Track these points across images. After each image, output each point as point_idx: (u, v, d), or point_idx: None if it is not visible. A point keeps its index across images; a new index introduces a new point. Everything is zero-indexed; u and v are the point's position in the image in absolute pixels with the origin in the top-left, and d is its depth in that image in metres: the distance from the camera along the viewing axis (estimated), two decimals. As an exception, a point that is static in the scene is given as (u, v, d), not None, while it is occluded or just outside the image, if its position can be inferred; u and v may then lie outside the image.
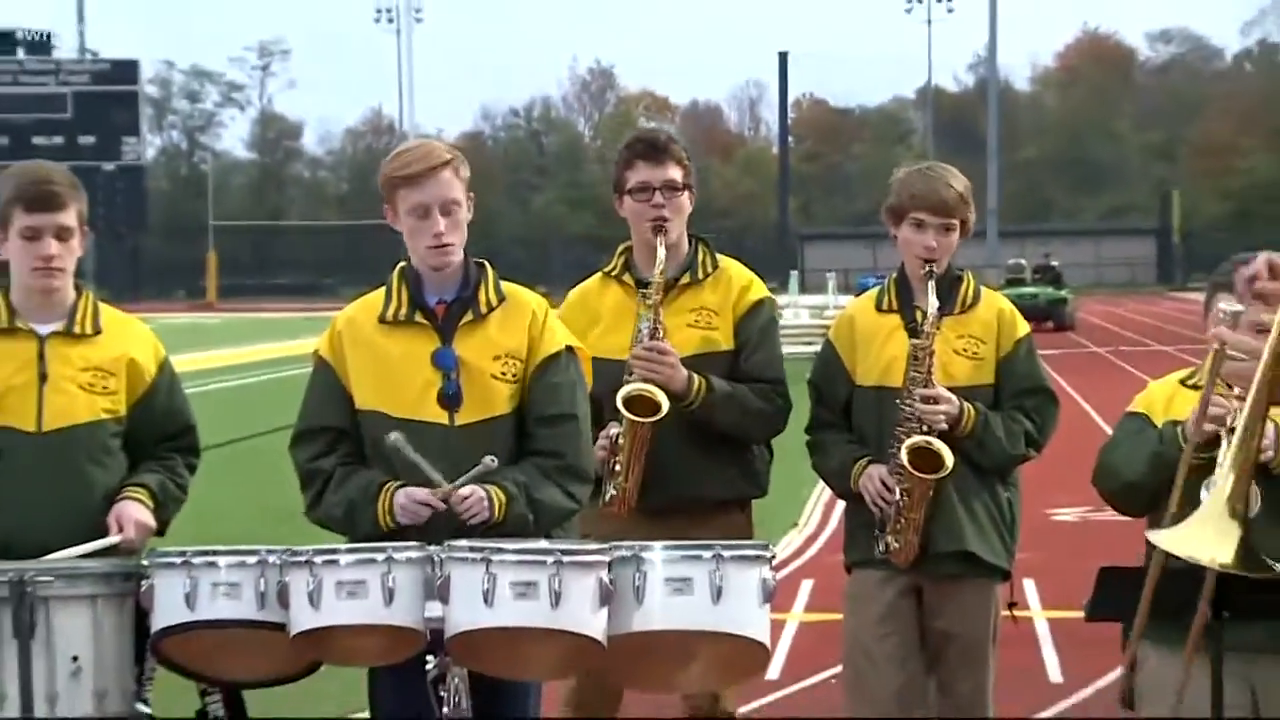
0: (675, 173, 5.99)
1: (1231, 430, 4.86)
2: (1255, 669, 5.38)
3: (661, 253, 5.86)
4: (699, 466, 5.81)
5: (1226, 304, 4.16)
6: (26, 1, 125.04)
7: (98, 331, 5.33)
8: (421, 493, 4.91)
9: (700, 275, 6.02)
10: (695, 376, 5.78)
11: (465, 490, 4.87)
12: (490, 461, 4.80)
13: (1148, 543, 4.86)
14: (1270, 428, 4.95)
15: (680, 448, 5.70)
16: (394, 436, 4.85)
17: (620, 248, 6.14)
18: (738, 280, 6.07)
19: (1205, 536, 3.90)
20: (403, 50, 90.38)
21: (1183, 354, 28.81)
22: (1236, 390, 4.87)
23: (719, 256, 6.11)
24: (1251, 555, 3.88)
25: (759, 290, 6.11)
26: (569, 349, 5.22)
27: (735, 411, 5.86)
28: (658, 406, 5.68)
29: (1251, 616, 5.20)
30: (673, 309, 5.92)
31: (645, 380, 5.71)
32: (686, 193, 6.01)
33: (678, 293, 5.97)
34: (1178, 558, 4.72)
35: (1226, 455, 3.94)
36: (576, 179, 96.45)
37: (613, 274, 6.10)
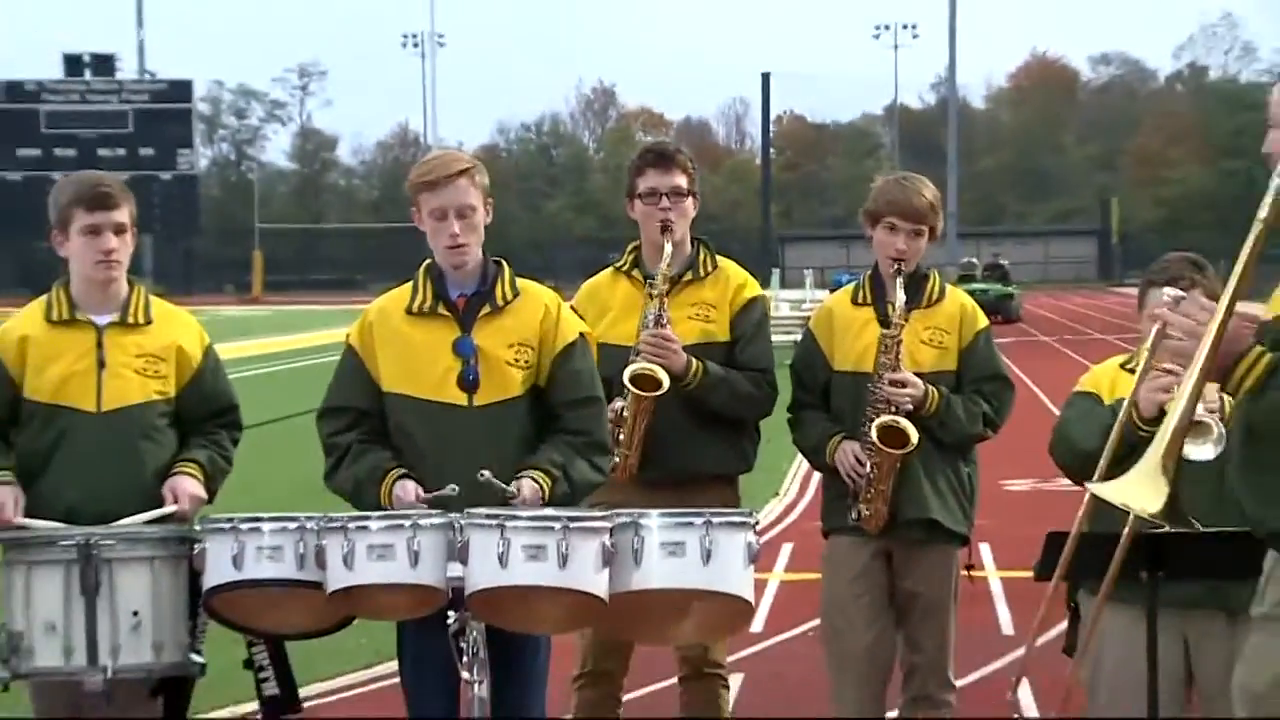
0: (681, 180, 5.99)
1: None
2: (1189, 622, 5.38)
3: (668, 250, 5.86)
4: (694, 444, 5.80)
5: (1171, 291, 4.16)
6: (92, 27, 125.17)
7: (149, 321, 5.33)
8: (413, 492, 4.92)
9: (701, 273, 6.01)
10: (694, 360, 5.78)
11: (527, 493, 4.88)
12: (452, 490, 4.80)
13: (1087, 504, 4.88)
14: (1214, 390, 4.98)
15: (678, 427, 5.69)
16: (485, 475, 4.82)
17: (630, 246, 6.13)
18: (735, 279, 6.06)
19: (1139, 489, 3.92)
20: (427, 71, 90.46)
21: (1120, 342, 28.83)
22: (1170, 366, 4.91)
23: (718, 257, 6.09)
24: (1176, 509, 3.91)
25: (753, 289, 6.10)
26: (582, 336, 5.22)
27: (727, 394, 5.85)
28: (660, 384, 5.69)
29: (1185, 575, 5.21)
30: (675, 302, 5.91)
31: (650, 361, 5.71)
32: (691, 198, 6.02)
33: (680, 288, 5.95)
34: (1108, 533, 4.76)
35: (1166, 420, 3.93)
36: (582, 187, 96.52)
37: (623, 269, 6.09)
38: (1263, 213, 3.79)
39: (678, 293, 5.93)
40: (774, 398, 6.00)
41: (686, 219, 5.99)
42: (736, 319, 5.98)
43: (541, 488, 4.92)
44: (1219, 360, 3.81)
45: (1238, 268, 3.80)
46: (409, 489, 4.93)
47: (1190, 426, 4.00)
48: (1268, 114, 3.94)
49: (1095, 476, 4.53)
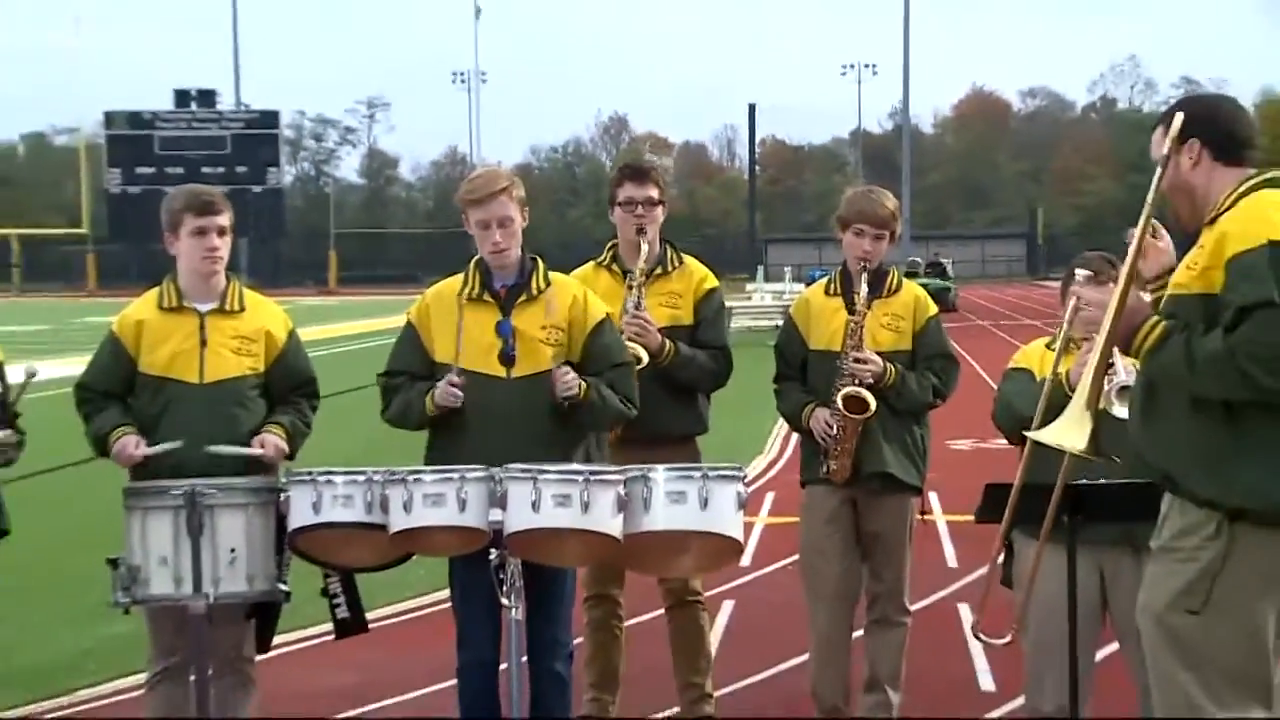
0: (653, 191, 5.95)
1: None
2: (1103, 557, 5.36)
3: (644, 249, 5.85)
4: (664, 410, 5.71)
5: (1082, 272, 4.20)
6: (197, 66, 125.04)
7: (243, 309, 5.31)
8: (455, 386, 4.98)
9: (669, 268, 5.98)
10: (666, 340, 5.77)
11: (562, 370, 4.99)
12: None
13: (1026, 458, 4.87)
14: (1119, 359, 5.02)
15: (652, 396, 5.60)
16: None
17: (609, 244, 6.09)
18: (697, 273, 6.02)
19: (1069, 432, 3.96)
20: (472, 103, 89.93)
21: (1045, 326, 28.74)
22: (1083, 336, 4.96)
23: (683, 255, 6.07)
24: (1098, 445, 3.95)
25: (712, 281, 6.08)
26: (607, 315, 5.24)
27: (694, 368, 5.84)
28: (639, 360, 5.64)
29: (1100, 519, 5.20)
30: (649, 293, 5.88)
31: (631, 340, 5.66)
32: (660, 206, 5.98)
33: (653, 280, 5.92)
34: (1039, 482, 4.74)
35: (1084, 375, 4.00)
36: (600, 198, 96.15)
37: (603, 264, 6.05)
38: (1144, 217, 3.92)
39: (650, 284, 5.90)
40: (729, 371, 5.98)
41: (657, 224, 5.95)
42: (699, 305, 5.96)
43: (581, 384, 5.02)
44: (1123, 326, 3.85)
45: (1130, 252, 3.89)
46: (451, 382, 4.99)
47: (1102, 378, 4.05)
48: (1152, 153, 3.97)
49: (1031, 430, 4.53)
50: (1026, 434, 4.34)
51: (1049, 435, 4.04)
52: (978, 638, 5.16)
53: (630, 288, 5.84)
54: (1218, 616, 3.65)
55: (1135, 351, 3.86)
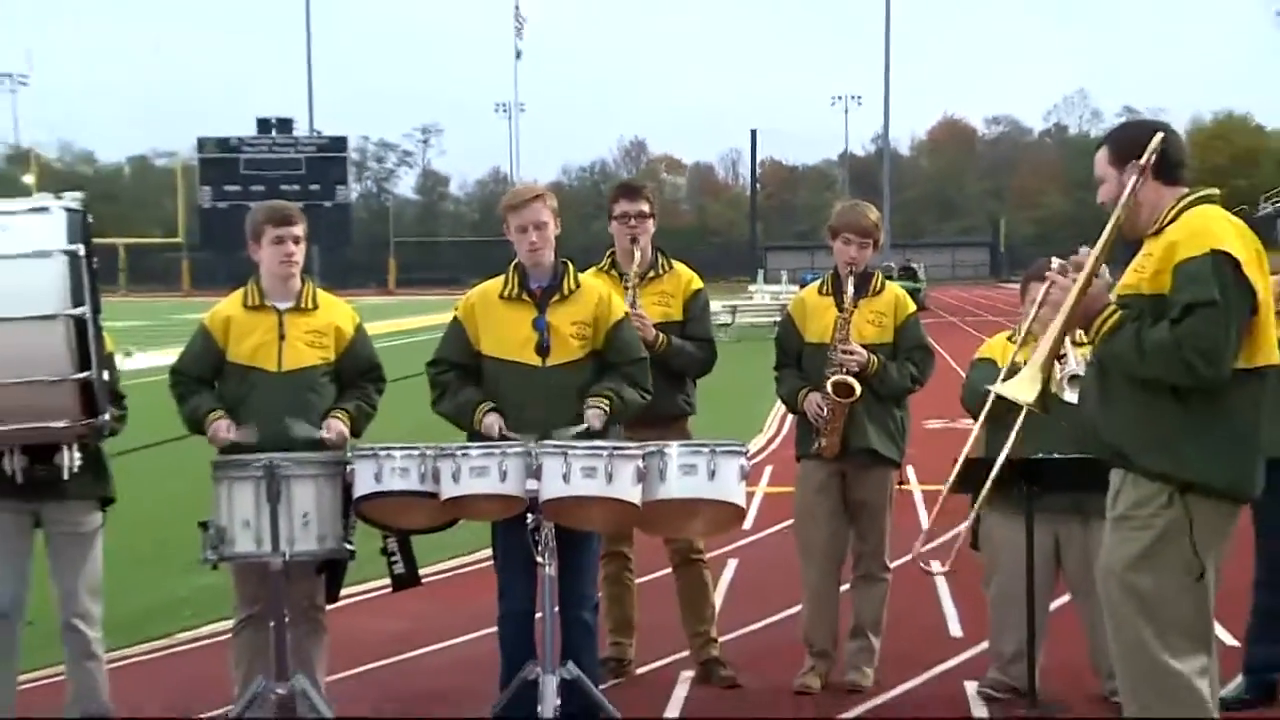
0: (644, 206, 5.91)
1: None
2: (1058, 524, 5.36)
3: (638, 256, 5.83)
4: (660, 394, 5.60)
5: (1057, 261, 4.20)
6: (276, 98, 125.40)
7: (316, 307, 5.28)
8: (495, 426, 4.91)
9: (661, 271, 5.94)
10: (660, 334, 5.73)
11: (592, 413, 4.89)
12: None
13: (978, 432, 4.84)
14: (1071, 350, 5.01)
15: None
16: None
17: (608, 251, 6.05)
18: (684, 276, 5.98)
19: (1022, 388, 3.96)
20: (512, 130, 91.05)
21: (1006, 322, 28.62)
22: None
23: (671, 260, 6.01)
24: (1045, 400, 3.98)
25: (697, 283, 6.03)
26: (626, 314, 5.21)
27: (685, 357, 5.81)
28: None
29: (1055, 490, 5.19)
30: (643, 293, 5.84)
31: None
32: (651, 219, 5.93)
33: (647, 283, 5.88)
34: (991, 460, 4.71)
35: (1041, 343, 4.00)
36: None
37: (603, 269, 6.00)
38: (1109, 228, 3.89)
39: (644, 286, 5.86)
40: (714, 359, 5.93)
41: (648, 234, 5.90)
42: (688, 304, 5.91)
43: (603, 408, 4.93)
44: (1084, 308, 3.83)
45: (1097, 247, 3.87)
46: (492, 423, 4.93)
47: (1059, 348, 4.09)
48: (1095, 171, 3.97)
49: (991, 393, 4.54)
50: (989, 388, 4.33)
51: (1007, 389, 4.04)
52: (921, 565, 5.16)
53: (627, 289, 5.80)
54: (1171, 576, 3.64)
55: (1094, 333, 3.84)
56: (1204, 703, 3.65)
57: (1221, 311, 3.58)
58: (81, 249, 4.57)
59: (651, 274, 5.92)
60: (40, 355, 4.49)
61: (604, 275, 5.94)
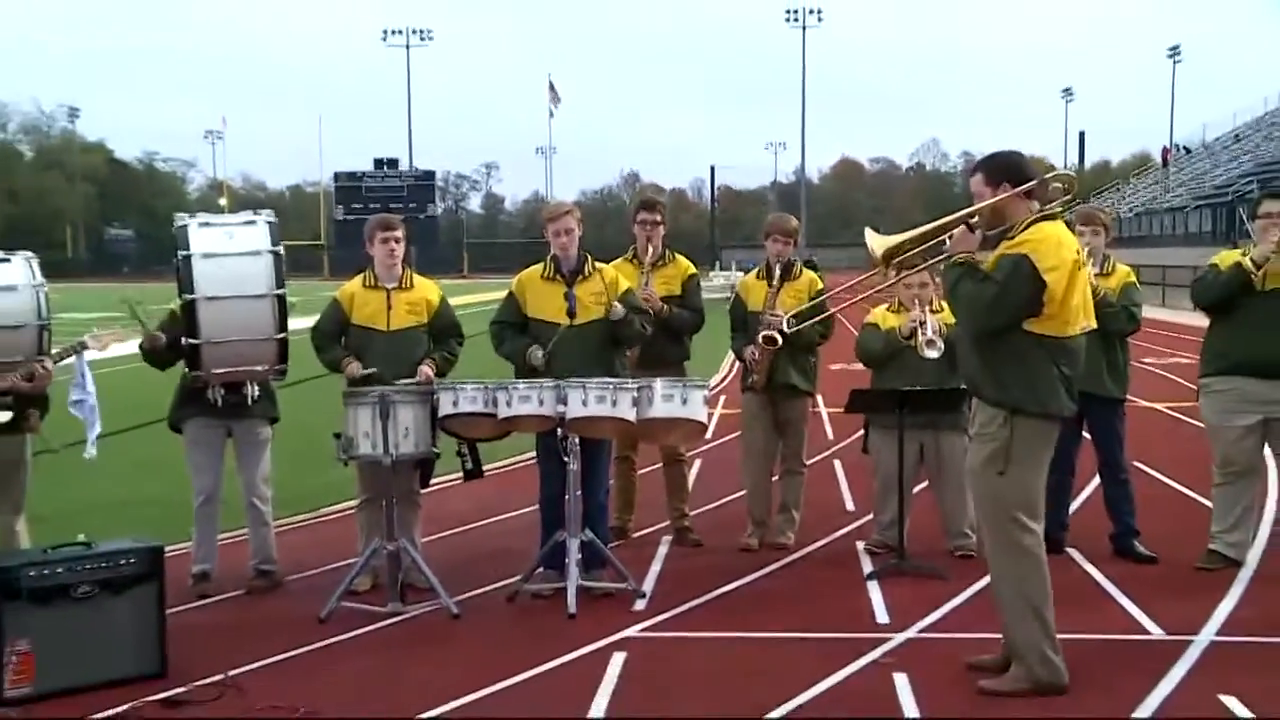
0: (657, 215, 5.84)
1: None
2: (923, 436, 5.32)
3: (651, 250, 5.75)
4: (665, 346, 5.57)
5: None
6: (385, 141, 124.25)
7: (412, 286, 5.24)
8: (538, 355, 4.89)
9: (667, 261, 5.84)
10: (665, 305, 5.65)
11: (616, 309, 4.93)
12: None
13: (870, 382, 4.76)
14: (930, 319, 4.90)
15: (656, 338, 5.47)
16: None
17: (631, 246, 5.92)
18: (683, 264, 5.90)
19: (878, 242, 3.78)
20: (548, 165, 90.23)
21: (885, 296, 28.46)
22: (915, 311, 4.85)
23: (675, 253, 5.92)
24: (890, 260, 3.74)
25: (692, 269, 5.94)
26: (629, 288, 5.19)
27: (682, 320, 5.73)
28: (650, 313, 5.52)
29: (920, 411, 5.16)
30: (654, 276, 5.76)
31: (643, 302, 5.52)
32: (662, 225, 5.85)
33: (656, 269, 5.80)
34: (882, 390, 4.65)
35: (914, 231, 3.76)
36: (619, 227, 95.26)
37: (628, 259, 5.89)
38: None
39: (655, 271, 5.78)
40: (703, 322, 5.84)
41: (659, 235, 5.82)
42: (685, 284, 5.82)
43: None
44: (956, 242, 3.63)
45: (971, 209, 3.70)
46: (535, 354, 4.93)
47: (930, 239, 3.76)
48: (972, 189, 3.78)
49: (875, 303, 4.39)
50: (867, 239, 3.89)
51: (870, 239, 3.80)
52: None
53: (642, 273, 5.74)
54: (1014, 471, 3.57)
55: (954, 261, 3.64)
56: (1039, 558, 3.63)
57: (1001, 292, 3.50)
58: (280, 249, 4.63)
59: (660, 263, 5.83)
60: (257, 321, 4.58)
61: (628, 263, 5.87)
